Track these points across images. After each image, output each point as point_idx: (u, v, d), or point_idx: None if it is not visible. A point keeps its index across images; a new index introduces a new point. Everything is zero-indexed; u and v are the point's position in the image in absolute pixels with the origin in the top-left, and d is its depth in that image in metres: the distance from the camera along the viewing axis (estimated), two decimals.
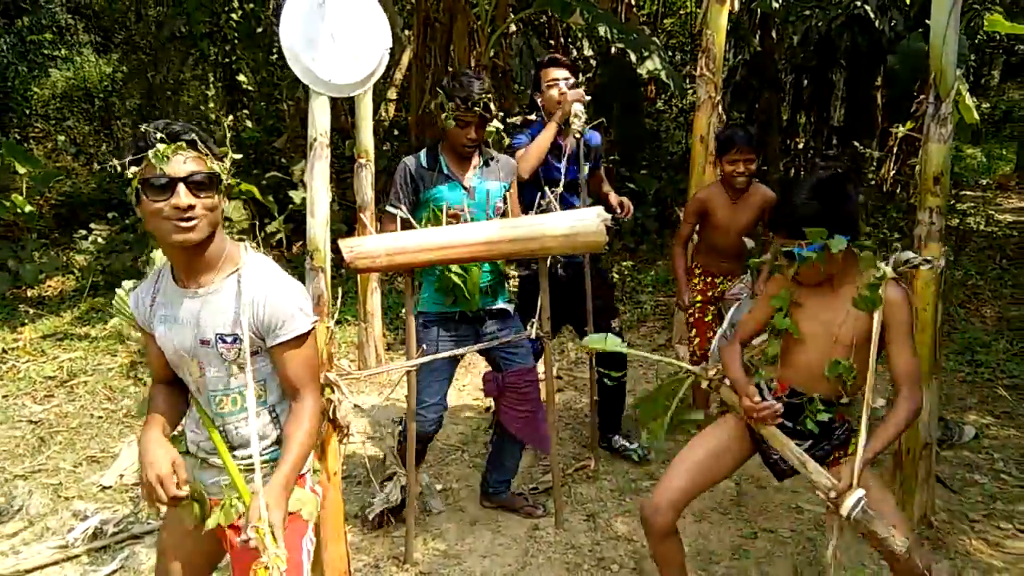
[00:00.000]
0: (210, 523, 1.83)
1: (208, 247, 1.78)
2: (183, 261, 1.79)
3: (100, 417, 4.51)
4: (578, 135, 3.44)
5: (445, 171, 3.04)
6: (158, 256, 2.19)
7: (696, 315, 3.85)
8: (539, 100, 3.61)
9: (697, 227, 3.97)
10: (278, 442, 1.92)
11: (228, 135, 1.95)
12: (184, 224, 1.69)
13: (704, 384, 2.48)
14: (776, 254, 2.26)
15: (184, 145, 1.70)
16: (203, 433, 1.90)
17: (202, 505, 1.86)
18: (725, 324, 3.47)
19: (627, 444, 3.91)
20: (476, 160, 3.09)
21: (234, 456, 1.88)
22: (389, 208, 3.06)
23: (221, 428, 1.89)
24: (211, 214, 1.74)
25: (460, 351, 3.02)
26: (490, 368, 3.24)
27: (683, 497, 2.34)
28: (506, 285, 3.22)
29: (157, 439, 1.81)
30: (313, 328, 1.90)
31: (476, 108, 2.89)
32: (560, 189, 3.41)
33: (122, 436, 4.25)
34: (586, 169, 3.61)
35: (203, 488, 1.89)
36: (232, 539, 1.79)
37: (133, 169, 1.69)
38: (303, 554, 1.92)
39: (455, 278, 2.94)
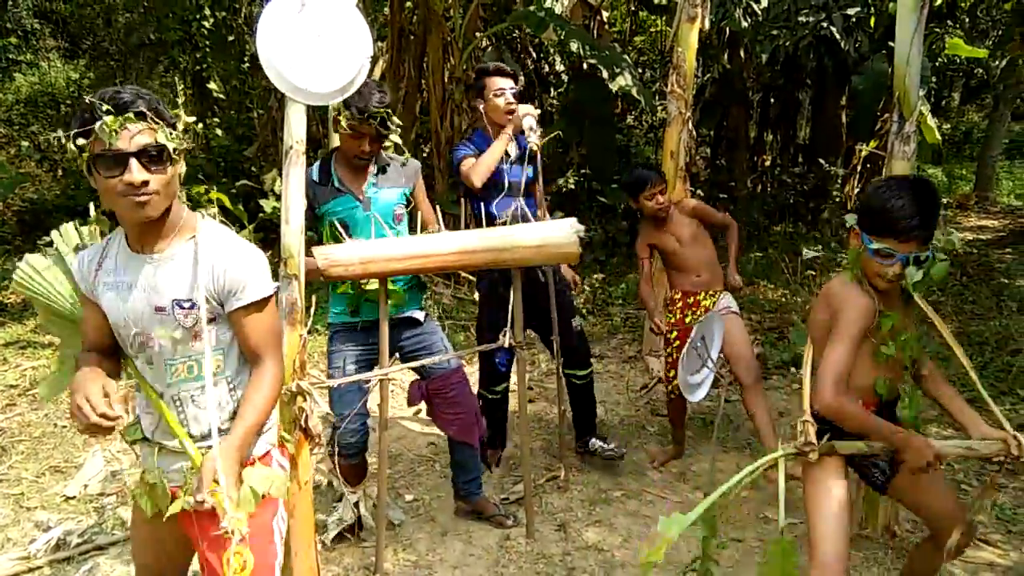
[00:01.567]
0: (174, 507, 1.75)
1: (165, 216, 1.74)
2: (138, 229, 1.75)
3: (63, 426, 4.43)
4: (536, 147, 3.47)
5: (337, 184, 3.00)
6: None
7: (678, 341, 3.85)
8: (481, 107, 3.59)
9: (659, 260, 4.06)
10: (233, 416, 1.85)
11: (196, 142, 1.90)
12: (139, 199, 1.64)
13: (815, 456, 2.18)
14: (859, 264, 2.19)
15: (133, 117, 1.63)
16: (156, 415, 1.84)
17: (157, 491, 1.81)
18: (693, 335, 3.52)
19: (603, 445, 3.92)
20: (371, 168, 3.03)
21: (189, 436, 1.82)
22: None
23: (175, 399, 1.83)
24: (167, 187, 1.69)
25: (394, 368, 2.98)
26: (416, 377, 3.21)
27: (847, 562, 2.21)
28: (418, 292, 3.17)
29: (86, 370, 1.72)
30: (274, 294, 1.86)
31: (372, 121, 2.83)
32: (504, 193, 3.51)
33: (86, 446, 4.18)
34: (530, 170, 3.63)
35: (161, 475, 1.83)
36: (197, 531, 1.75)
37: (80, 141, 1.63)
38: (275, 535, 1.88)
39: (347, 287, 2.93)
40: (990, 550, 3.19)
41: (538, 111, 3.56)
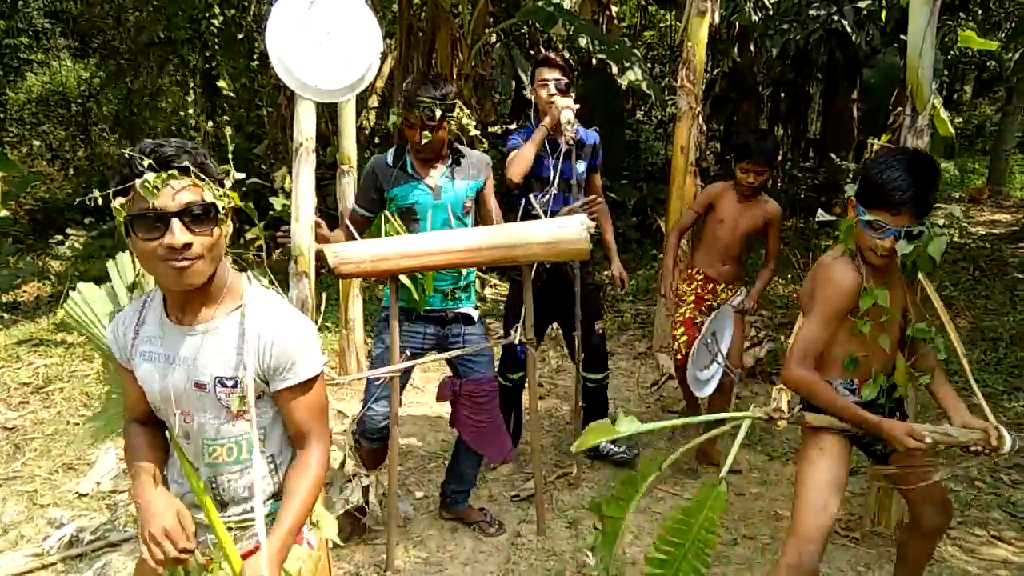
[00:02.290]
0: None
1: (209, 282, 1.58)
2: (179, 296, 1.60)
3: (76, 424, 4.45)
4: (571, 142, 3.43)
5: (409, 170, 3.01)
6: (150, 280, 2.01)
7: (687, 313, 3.83)
8: (534, 98, 3.61)
9: (697, 230, 4.01)
10: (275, 495, 1.73)
11: (225, 154, 1.76)
12: (180, 265, 1.48)
13: (783, 424, 2.13)
14: (853, 237, 2.15)
15: (176, 173, 1.47)
16: (186, 484, 1.71)
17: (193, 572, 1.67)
18: (704, 331, 3.51)
19: (613, 448, 3.92)
20: (445, 159, 3.05)
21: (223, 514, 1.69)
22: (353, 206, 3.11)
23: (210, 479, 1.69)
24: (212, 251, 1.53)
25: (427, 359, 2.99)
26: (450, 373, 3.21)
27: (827, 538, 2.23)
28: (472, 290, 3.18)
29: (154, 489, 1.62)
30: (323, 370, 1.71)
31: (416, 111, 2.83)
32: (554, 189, 3.47)
33: (98, 443, 4.20)
34: (581, 167, 3.61)
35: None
36: None
37: (120, 200, 1.47)
38: None
39: (406, 280, 2.91)
40: (1004, 547, 3.17)
41: (577, 106, 3.49)
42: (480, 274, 3.23)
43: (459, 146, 3.11)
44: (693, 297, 3.85)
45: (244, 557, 1.64)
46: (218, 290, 1.62)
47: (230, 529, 1.68)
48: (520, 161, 3.40)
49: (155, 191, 1.44)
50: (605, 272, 3.83)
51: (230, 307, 1.63)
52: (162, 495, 1.62)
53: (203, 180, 1.51)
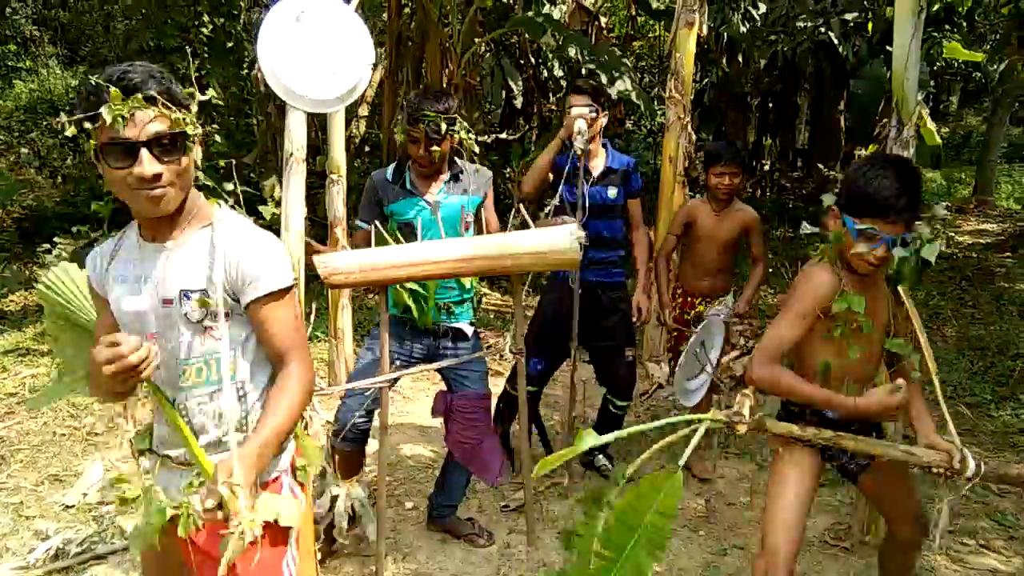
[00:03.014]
0: (180, 531, 1.48)
1: (181, 206, 1.60)
2: (151, 220, 1.61)
3: (63, 435, 4.41)
4: (579, 152, 3.38)
5: (408, 186, 3.03)
6: None
7: (672, 342, 3.90)
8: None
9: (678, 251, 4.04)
10: (243, 427, 1.69)
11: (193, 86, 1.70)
12: (152, 193, 1.50)
13: (742, 429, 2.06)
14: (839, 246, 2.14)
15: (143, 101, 1.46)
16: (164, 424, 1.69)
17: (158, 512, 1.58)
18: (692, 341, 3.52)
19: (608, 465, 3.94)
20: (444, 175, 3.07)
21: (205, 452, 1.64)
22: (357, 222, 3.10)
23: (182, 406, 1.65)
24: (181, 178, 1.55)
25: (413, 370, 2.97)
26: (445, 387, 3.21)
27: (796, 553, 2.23)
28: (470, 305, 3.17)
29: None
30: (294, 285, 1.70)
31: (420, 125, 2.85)
32: (574, 214, 3.42)
33: (85, 454, 4.17)
34: (613, 192, 3.60)
35: (162, 494, 1.62)
36: (196, 543, 1.55)
37: (86, 126, 1.46)
38: None
39: (406, 296, 2.92)
40: (992, 556, 3.19)
41: (592, 115, 3.45)
42: (480, 288, 3.21)
43: (458, 161, 3.11)
44: (674, 323, 3.89)
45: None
46: (189, 211, 1.64)
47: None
48: (531, 174, 3.41)
49: (122, 120, 1.44)
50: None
51: (200, 225, 1.65)
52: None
53: (170, 108, 1.51)
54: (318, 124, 7.91)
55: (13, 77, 12.78)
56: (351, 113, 9.73)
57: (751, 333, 5.74)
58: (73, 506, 3.61)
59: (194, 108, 1.59)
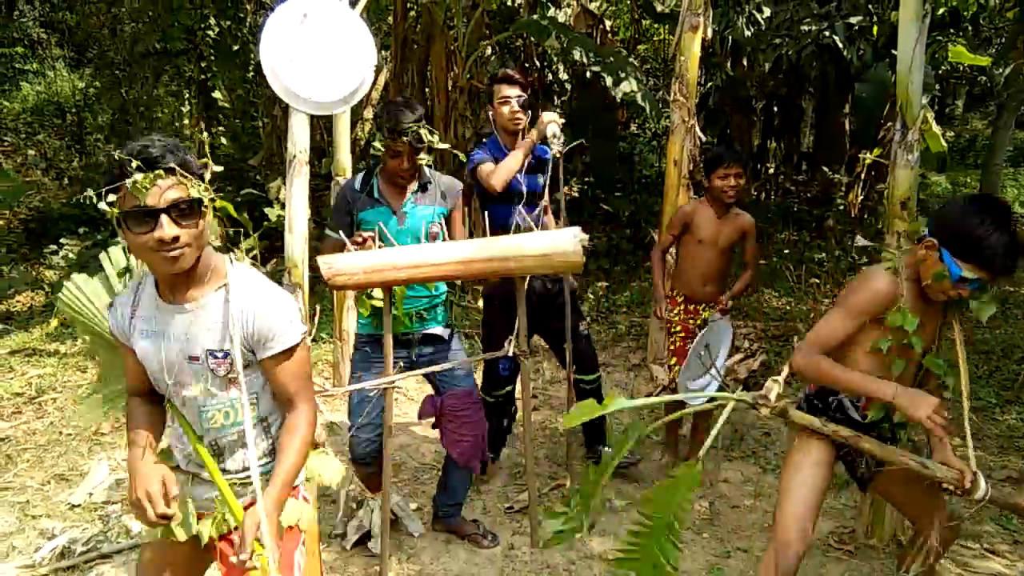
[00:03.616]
0: (203, 536, 1.84)
1: (196, 265, 1.74)
2: (170, 279, 1.76)
3: (69, 434, 4.44)
4: (558, 155, 3.43)
5: (376, 195, 3.03)
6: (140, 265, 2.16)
7: (678, 343, 3.86)
8: (492, 114, 3.62)
9: (675, 251, 4.03)
10: (269, 454, 1.92)
11: (206, 155, 1.87)
12: (171, 254, 1.64)
13: (765, 412, 2.14)
14: (910, 262, 2.19)
15: (163, 173, 1.62)
16: (189, 446, 1.88)
17: (187, 520, 1.87)
18: (697, 342, 3.52)
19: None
20: (412, 185, 3.06)
21: (224, 470, 1.87)
22: (327, 232, 3.08)
23: (211, 444, 1.87)
24: (198, 239, 1.69)
25: (397, 377, 2.95)
26: (433, 392, 3.22)
27: (807, 548, 2.27)
28: (442, 308, 3.18)
29: (145, 455, 1.80)
30: (303, 338, 1.87)
31: (404, 138, 2.85)
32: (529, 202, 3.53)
33: (91, 454, 4.19)
34: (541, 180, 3.64)
35: (192, 503, 1.89)
36: (224, 552, 1.80)
37: (111, 198, 1.62)
38: (295, 570, 1.93)
39: (376, 303, 2.93)
40: (997, 560, 3.18)
41: (563, 120, 3.52)
42: (451, 295, 3.23)
43: (427, 171, 3.09)
44: (680, 328, 3.87)
45: (244, 509, 1.81)
46: (204, 271, 1.78)
47: (232, 486, 1.86)
48: (504, 172, 3.41)
49: (144, 191, 1.59)
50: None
51: (215, 285, 1.80)
52: (150, 462, 1.79)
53: (187, 178, 1.66)
54: (323, 126, 7.95)
55: (20, 79, 12.83)
56: (355, 115, 9.74)
57: (756, 336, 5.75)
58: (79, 505, 3.63)
59: (207, 176, 1.74)
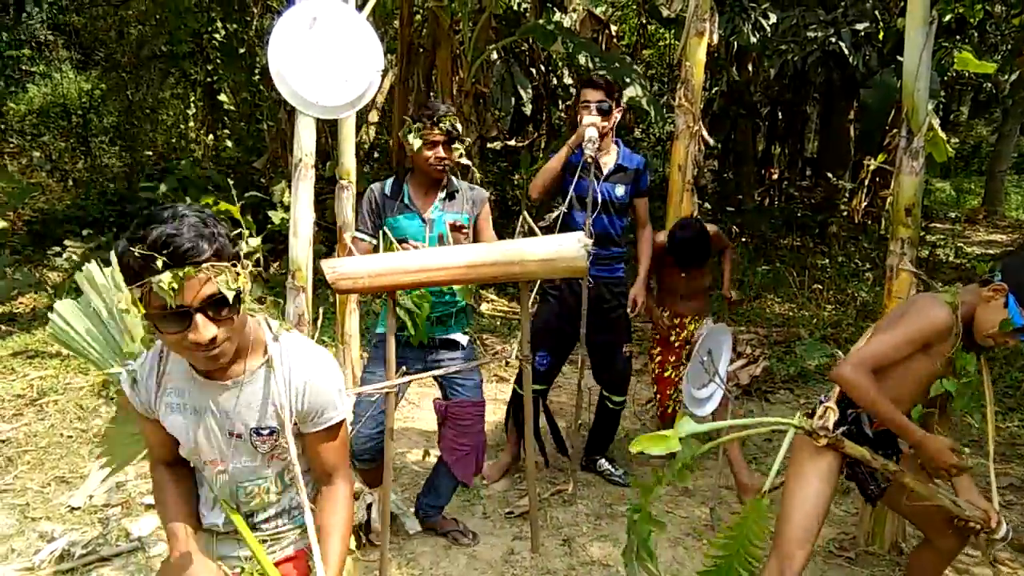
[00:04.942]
0: None
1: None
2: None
3: (70, 437, 4.43)
4: (589, 160, 3.40)
5: (406, 201, 3.06)
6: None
7: (656, 370, 3.91)
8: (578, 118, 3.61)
9: (655, 277, 4.11)
10: (297, 506, 1.79)
11: (240, 220, 1.69)
12: (210, 355, 1.45)
13: (822, 442, 2.12)
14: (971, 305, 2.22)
15: (193, 270, 1.36)
16: (219, 515, 1.76)
17: None
18: (698, 348, 3.51)
19: (611, 469, 3.95)
20: (440, 193, 3.10)
21: (252, 526, 1.76)
22: (357, 234, 3.13)
23: (247, 515, 1.75)
24: (238, 331, 1.50)
25: (409, 379, 2.96)
26: (440, 395, 3.23)
27: (807, 558, 2.28)
28: (463, 316, 3.19)
29: (190, 552, 1.65)
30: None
31: (441, 125, 2.92)
32: (590, 210, 3.47)
33: (92, 457, 4.18)
34: (621, 190, 3.61)
35: (223, 563, 1.76)
36: None
37: (136, 293, 1.38)
38: None
39: (402, 313, 2.94)
40: (999, 568, 3.16)
41: (604, 124, 3.47)
42: (472, 302, 3.24)
43: (454, 180, 3.14)
44: (659, 349, 3.92)
45: (278, 565, 1.74)
46: (244, 346, 1.60)
47: (264, 542, 1.76)
48: (538, 179, 3.42)
49: (173, 292, 1.34)
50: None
51: (258, 359, 1.64)
52: (197, 559, 1.65)
53: (221, 269, 1.41)
54: (328, 130, 7.94)
55: (27, 81, 12.88)
56: (361, 119, 9.77)
57: (758, 342, 5.74)
58: (79, 508, 3.63)
59: (244, 251, 1.51)
